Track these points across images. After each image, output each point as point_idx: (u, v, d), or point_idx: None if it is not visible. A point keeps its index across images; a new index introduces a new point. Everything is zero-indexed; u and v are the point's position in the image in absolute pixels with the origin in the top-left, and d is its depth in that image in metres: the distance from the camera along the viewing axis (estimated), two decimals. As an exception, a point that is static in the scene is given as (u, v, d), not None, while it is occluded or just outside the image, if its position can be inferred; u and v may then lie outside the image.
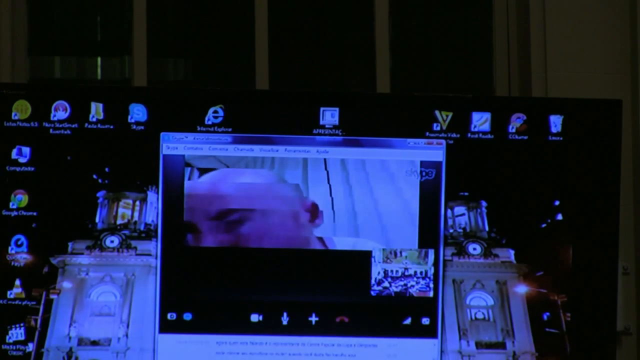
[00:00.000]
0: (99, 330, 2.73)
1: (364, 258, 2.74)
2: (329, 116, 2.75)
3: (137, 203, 2.75)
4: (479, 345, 2.77)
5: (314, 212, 2.73)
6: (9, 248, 2.71)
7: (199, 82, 3.37)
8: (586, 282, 2.74)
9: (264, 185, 2.73)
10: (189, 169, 2.74)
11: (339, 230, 2.74)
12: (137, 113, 2.74)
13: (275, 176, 2.73)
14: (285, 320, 2.74)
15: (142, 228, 2.75)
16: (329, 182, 2.74)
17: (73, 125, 2.72)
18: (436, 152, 2.76)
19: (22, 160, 2.71)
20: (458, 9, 3.33)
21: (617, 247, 2.74)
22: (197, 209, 2.72)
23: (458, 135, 2.76)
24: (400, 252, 2.74)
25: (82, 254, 2.73)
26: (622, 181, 2.75)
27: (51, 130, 2.73)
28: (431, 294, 2.75)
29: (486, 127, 2.77)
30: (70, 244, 2.73)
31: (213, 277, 2.74)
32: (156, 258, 2.73)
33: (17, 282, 2.71)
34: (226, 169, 2.73)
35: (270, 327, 2.74)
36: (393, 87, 3.18)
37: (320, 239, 2.74)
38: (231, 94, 2.78)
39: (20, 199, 2.71)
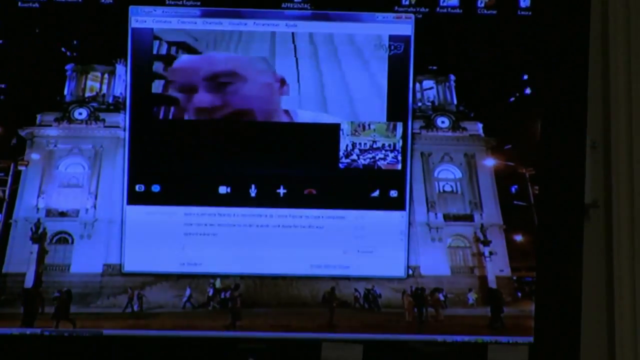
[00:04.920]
0: (67, 202, 2.74)
1: (332, 131, 2.74)
2: (297, -12, 2.76)
3: (106, 76, 2.75)
4: (446, 217, 2.77)
5: (282, 83, 2.73)
6: (-23, 120, 2.72)
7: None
8: (554, 155, 2.74)
9: (233, 59, 2.73)
10: (157, 42, 2.74)
11: (304, 103, 2.74)
12: (106, -14, 2.74)
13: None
14: (253, 192, 2.74)
15: (110, 101, 2.75)
16: (295, 56, 2.74)
17: (41, -2, 2.73)
18: (405, 27, 2.76)
19: (-10, 31, 2.72)
20: None
21: (585, 120, 2.74)
22: (167, 82, 2.72)
23: (427, 10, 2.76)
24: (369, 125, 2.74)
25: (51, 126, 2.74)
26: (590, 55, 2.75)
27: (19, 3, 2.72)
28: (399, 167, 2.75)
29: (455, 1, 2.77)
30: (38, 116, 2.73)
31: (181, 150, 2.74)
32: (124, 130, 2.73)
33: (-15, 154, 2.71)
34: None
35: (238, 200, 2.74)
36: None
37: (286, 112, 2.74)
38: (200, -32, 2.78)
39: (-12, 71, 2.72)
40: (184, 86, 2.73)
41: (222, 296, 2.75)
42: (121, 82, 2.74)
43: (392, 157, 2.75)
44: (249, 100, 2.73)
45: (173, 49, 2.74)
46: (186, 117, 2.73)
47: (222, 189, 2.74)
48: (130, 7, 2.73)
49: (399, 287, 2.76)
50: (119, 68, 2.74)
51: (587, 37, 2.75)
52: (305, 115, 2.74)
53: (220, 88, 2.73)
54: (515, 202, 2.76)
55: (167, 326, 2.74)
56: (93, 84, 2.75)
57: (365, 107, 2.74)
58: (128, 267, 2.73)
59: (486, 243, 2.77)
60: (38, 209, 2.73)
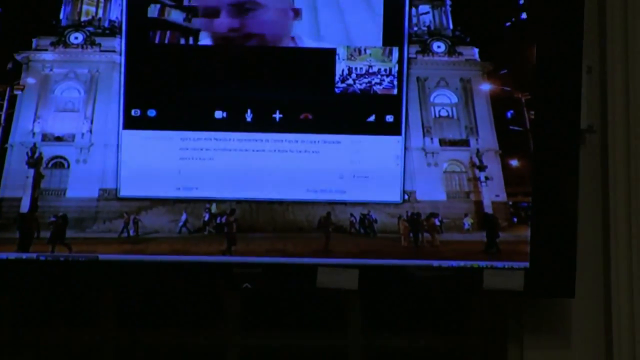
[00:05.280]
0: (63, 126, 2.74)
1: (328, 55, 2.74)
2: None
3: (101, 0, 2.75)
4: (442, 142, 2.77)
5: (296, 11, 2.72)
6: (-28, 45, 2.71)
7: None
8: (550, 80, 2.73)
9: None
10: (153, -34, 2.73)
11: (297, 28, 2.73)
12: None
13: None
14: (249, 117, 2.74)
15: (106, 25, 2.74)
16: (291, -20, 2.74)
17: None
18: (400, -49, 2.75)
19: (-16, -44, 2.71)
20: None
21: (581, 45, 2.73)
22: (164, 4, 2.72)
23: None
24: (365, 50, 2.74)
25: (47, 50, 2.73)
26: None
27: None
28: (395, 92, 2.75)
29: None
30: (34, 41, 2.73)
31: (177, 74, 2.73)
32: (120, 55, 2.73)
33: (-19, 78, 2.71)
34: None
35: (234, 124, 2.74)
36: None
37: (293, 39, 2.73)
38: None
39: (-18, -6, 2.71)
40: (207, 10, 2.71)
41: (218, 221, 2.75)
42: (117, 6, 2.74)
43: (388, 82, 2.75)
44: (264, 25, 2.72)
45: (169, -26, 2.74)
46: (182, 41, 2.73)
47: (218, 114, 2.74)
48: None
49: (394, 212, 2.76)
50: (115, -8, 2.74)
51: (583, -38, 2.74)
52: (305, 41, 2.73)
53: (242, 13, 2.71)
54: (511, 127, 2.76)
55: (163, 251, 2.74)
56: (89, 8, 2.75)
57: (360, 31, 2.74)
58: (124, 192, 2.74)
59: (482, 168, 2.77)
60: (34, 134, 2.73)
